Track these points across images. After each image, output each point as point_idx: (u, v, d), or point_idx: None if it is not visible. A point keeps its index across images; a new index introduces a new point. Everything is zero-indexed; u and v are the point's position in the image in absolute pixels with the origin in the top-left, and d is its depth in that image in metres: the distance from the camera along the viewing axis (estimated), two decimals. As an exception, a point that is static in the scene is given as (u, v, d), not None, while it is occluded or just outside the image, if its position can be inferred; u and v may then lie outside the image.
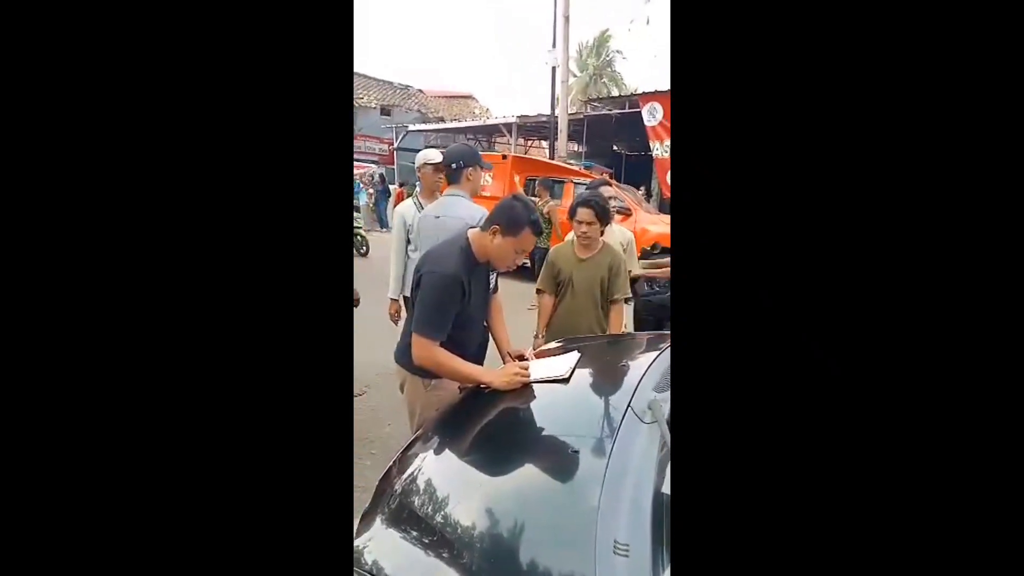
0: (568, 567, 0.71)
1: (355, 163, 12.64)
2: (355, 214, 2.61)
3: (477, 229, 1.45)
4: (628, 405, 1.05)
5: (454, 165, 1.95)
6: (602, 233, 2.04)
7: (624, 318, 2.09)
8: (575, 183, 6.19)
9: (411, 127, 13.59)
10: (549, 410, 1.22)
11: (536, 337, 2.20)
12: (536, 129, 12.07)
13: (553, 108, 9.48)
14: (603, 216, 1.97)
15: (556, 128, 9.42)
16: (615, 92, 18.53)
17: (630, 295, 2.03)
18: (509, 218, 1.38)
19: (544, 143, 14.02)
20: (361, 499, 1.84)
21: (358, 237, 6.38)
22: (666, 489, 0.81)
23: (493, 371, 1.38)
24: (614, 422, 1.02)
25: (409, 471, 1.00)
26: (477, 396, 1.36)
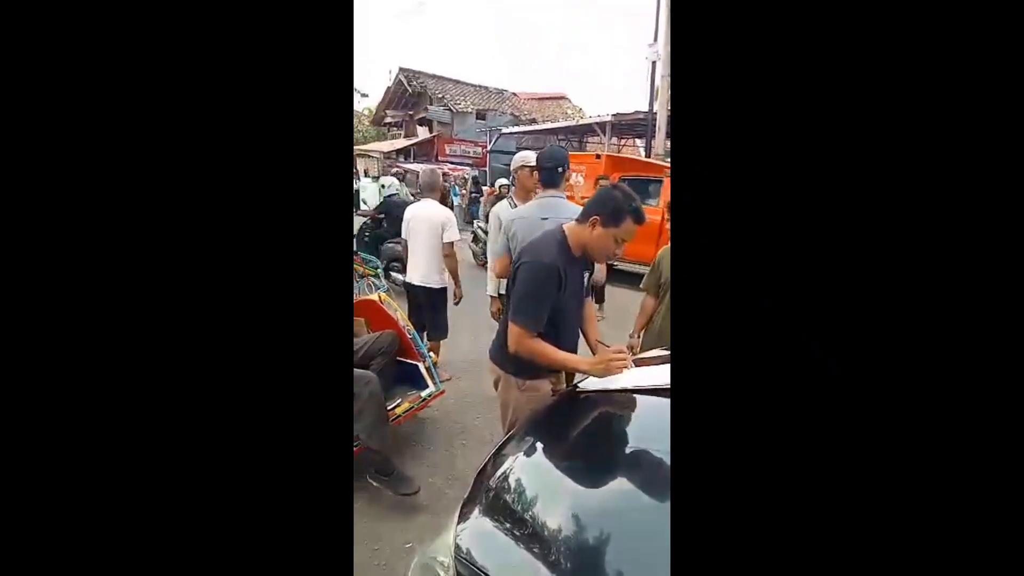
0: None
1: (451, 166, 13.23)
2: (451, 214, 2.72)
3: (572, 223, 1.44)
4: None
5: (553, 167, 1.95)
6: None
7: None
8: (674, 181, 5.89)
9: (504, 130, 13.90)
10: (645, 422, 1.18)
11: (631, 336, 2.15)
12: (631, 127, 11.73)
13: (651, 104, 9.14)
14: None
15: (654, 125, 9.08)
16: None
17: None
18: (609, 208, 1.35)
19: (639, 141, 13.59)
20: (453, 487, 1.93)
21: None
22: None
23: (588, 359, 1.38)
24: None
25: (503, 469, 1.02)
26: (572, 401, 1.35)
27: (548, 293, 1.35)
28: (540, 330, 1.36)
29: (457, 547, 0.83)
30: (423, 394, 2.18)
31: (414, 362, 2.26)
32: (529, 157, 2.36)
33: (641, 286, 2.15)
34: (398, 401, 2.11)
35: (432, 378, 2.24)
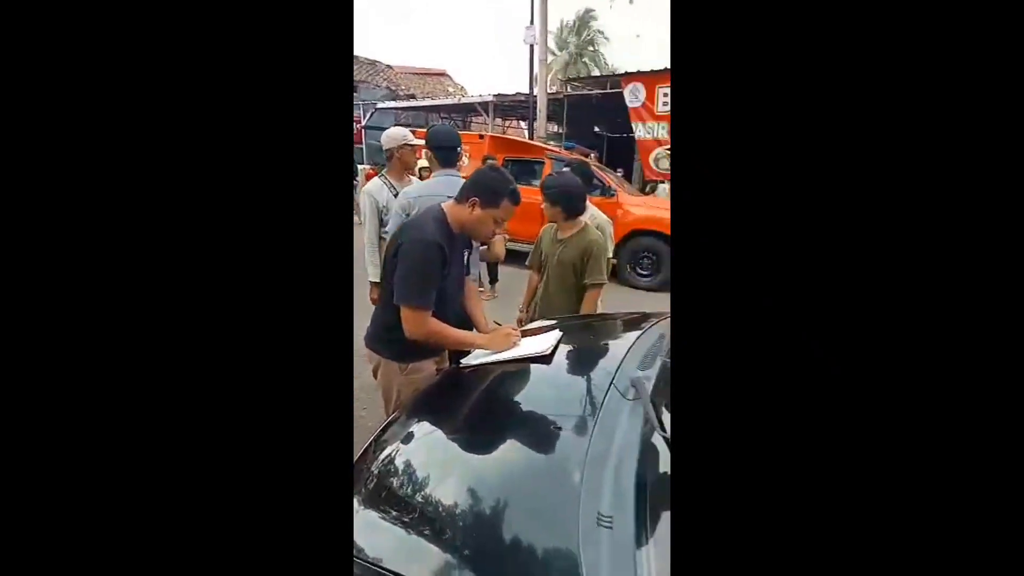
0: (552, 540, 0.70)
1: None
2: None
3: (451, 202, 1.41)
4: (611, 383, 1.04)
5: (452, 147, 1.89)
6: (575, 217, 1.98)
7: (600, 306, 2.05)
8: (555, 162, 6.12)
9: (380, 104, 13.15)
10: (531, 389, 1.21)
11: (520, 311, 2.20)
12: (514, 108, 11.89)
13: (532, 87, 9.33)
14: (555, 200, 1.93)
15: (535, 108, 9.30)
16: (596, 72, 18.37)
17: (604, 281, 1.98)
18: (488, 189, 1.35)
19: (523, 123, 13.84)
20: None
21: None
22: (660, 463, 0.80)
23: (484, 335, 1.39)
24: (596, 400, 1.01)
25: (386, 452, 0.97)
26: (455, 377, 1.33)
27: (435, 271, 1.31)
28: (432, 309, 1.31)
29: None
30: None
31: None
32: (406, 135, 2.24)
33: (527, 264, 2.20)
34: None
35: None
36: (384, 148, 2.27)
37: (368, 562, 0.71)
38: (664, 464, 0.80)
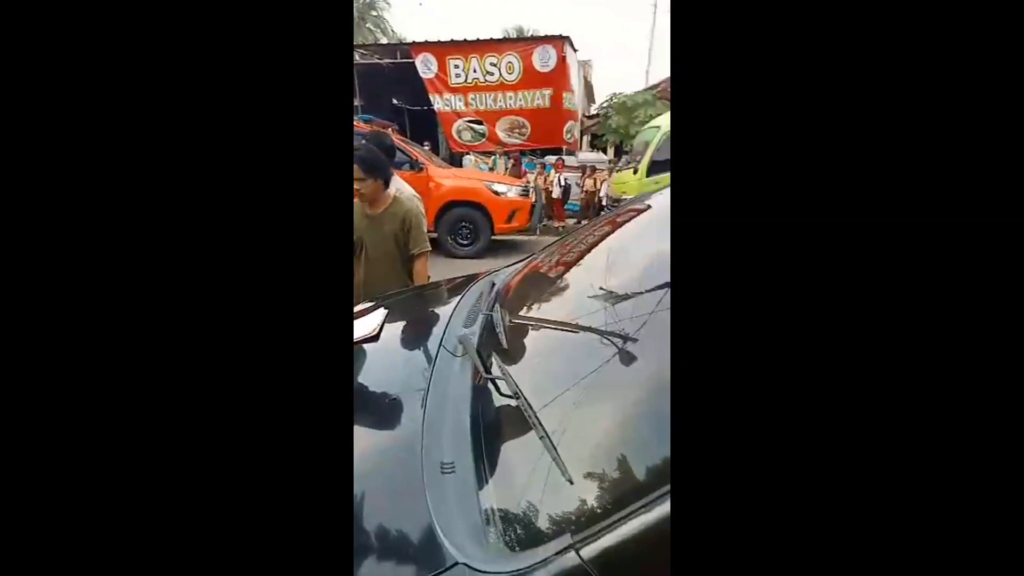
0: (403, 497, 0.73)
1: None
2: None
3: None
4: (440, 344, 1.09)
5: None
6: (385, 187, 1.93)
7: (429, 271, 2.08)
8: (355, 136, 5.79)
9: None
10: (366, 370, 1.19)
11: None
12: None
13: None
14: (371, 168, 1.84)
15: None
16: (383, 40, 17.60)
17: (428, 247, 1.98)
18: None
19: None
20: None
21: None
22: (491, 406, 0.88)
23: None
24: (429, 363, 1.05)
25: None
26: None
27: None
28: None
29: None
30: None
31: None
32: None
33: None
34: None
35: None
36: None
37: None
38: (495, 405, 0.90)
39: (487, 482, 0.73)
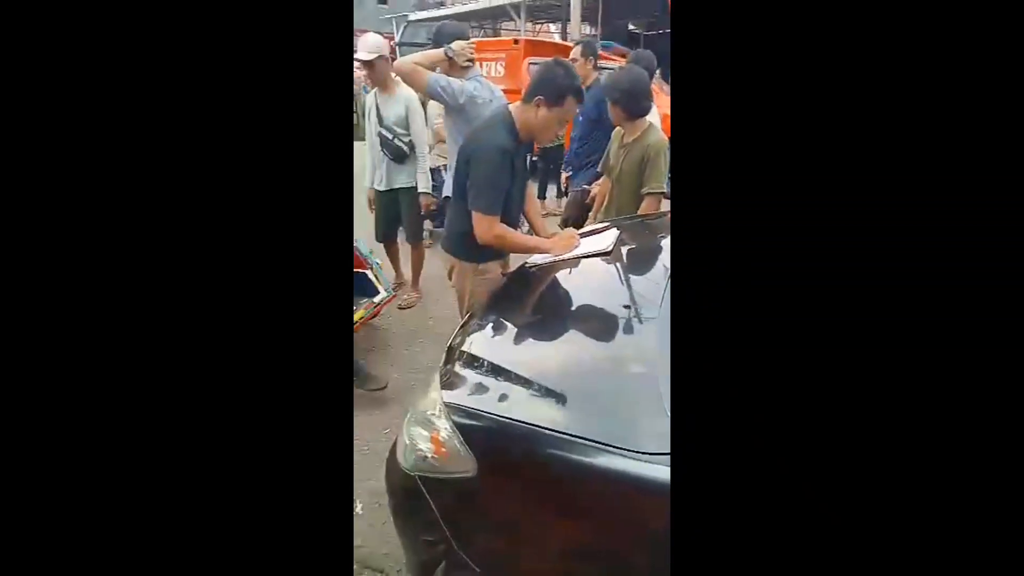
0: (632, 394, 0.84)
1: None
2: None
3: (518, 103, 1.41)
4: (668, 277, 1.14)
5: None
6: (638, 118, 1.86)
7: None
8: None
9: (411, 16, 12.43)
10: (587, 281, 1.32)
11: (591, 220, 2.23)
12: (545, 10, 10.99)
13: (566, -16, 8.55)
14: (622, 104, 1.79)
15: (568, 8, 8.58)
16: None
17: (663, 189, 1.84)
18: (553, 87, 1.33)
19: (553, 27, 12.80)
20: (418, 379, 2.04)
21: None
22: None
23: (550, 240, 1.48)
24: (659, 288, 1.11)
25: (469, 341, 1.11)
26: (524, 277, 1.46)
27: (504, 178, 1.37)
28: (500, 214, 1.40)
29: (446, 403, 0.92)
30: (375, 300, 2.22)
31: (362, 271, 2.26)
32: (380, 45, 2.30)
33: (598, 169, 2.25)
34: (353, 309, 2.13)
35: (380, 283, 2.27)
36: (358, 58, 2.26)
37: (470, 410, 0.88)
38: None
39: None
